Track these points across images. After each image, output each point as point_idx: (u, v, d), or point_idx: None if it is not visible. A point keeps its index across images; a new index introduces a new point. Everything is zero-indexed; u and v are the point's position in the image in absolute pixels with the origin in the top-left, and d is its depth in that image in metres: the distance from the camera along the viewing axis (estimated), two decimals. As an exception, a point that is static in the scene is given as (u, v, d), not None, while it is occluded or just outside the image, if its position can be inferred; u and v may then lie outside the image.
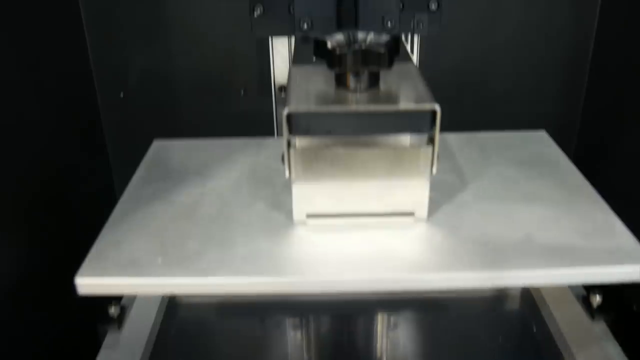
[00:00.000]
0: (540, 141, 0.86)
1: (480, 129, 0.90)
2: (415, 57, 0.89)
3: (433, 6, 0.79)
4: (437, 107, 0.59)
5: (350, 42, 0.65)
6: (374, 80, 0.64)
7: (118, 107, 1.06)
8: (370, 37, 0.65)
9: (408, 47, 0.88)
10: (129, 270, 0.61)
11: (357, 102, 0.61)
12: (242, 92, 1.06)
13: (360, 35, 0.66)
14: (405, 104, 0.60)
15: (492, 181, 0.75)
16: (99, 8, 1.00)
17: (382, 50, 0.60)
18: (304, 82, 0.66)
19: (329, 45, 0.63)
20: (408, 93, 0.64)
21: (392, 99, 0.63)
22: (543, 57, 1.05)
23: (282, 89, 0.92)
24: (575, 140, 1.10)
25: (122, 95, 1.06)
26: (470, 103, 1.07)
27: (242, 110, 1.06)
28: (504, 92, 1.07)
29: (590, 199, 0.71)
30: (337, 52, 0.60)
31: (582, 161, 0.82)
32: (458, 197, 0.72)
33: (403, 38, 0.85)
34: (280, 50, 0.89)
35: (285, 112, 0.59)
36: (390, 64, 0.61)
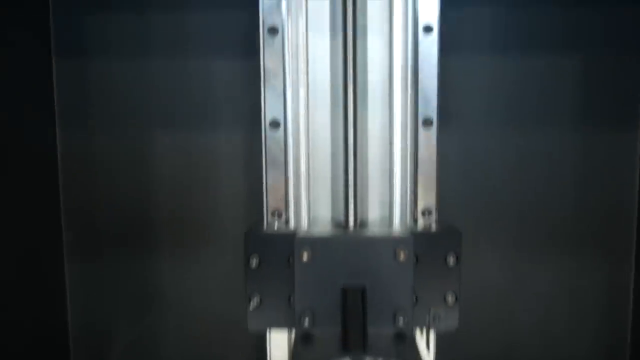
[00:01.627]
0: None
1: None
2: (431, 354, 0.78)
3: (450, 299, 0.72)
4: None
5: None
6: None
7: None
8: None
9: (422, 342, 0.78)
10: None
11: None
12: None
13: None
14: None
15: None
16: (82, 266, 0.95)
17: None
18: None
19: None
20: None
21: None
22: (574, 340, 0.95)
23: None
24: None
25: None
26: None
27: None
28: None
29: None
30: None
31: None
32: None
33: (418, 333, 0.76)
34: (279, 341, 0.79)
35: None
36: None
